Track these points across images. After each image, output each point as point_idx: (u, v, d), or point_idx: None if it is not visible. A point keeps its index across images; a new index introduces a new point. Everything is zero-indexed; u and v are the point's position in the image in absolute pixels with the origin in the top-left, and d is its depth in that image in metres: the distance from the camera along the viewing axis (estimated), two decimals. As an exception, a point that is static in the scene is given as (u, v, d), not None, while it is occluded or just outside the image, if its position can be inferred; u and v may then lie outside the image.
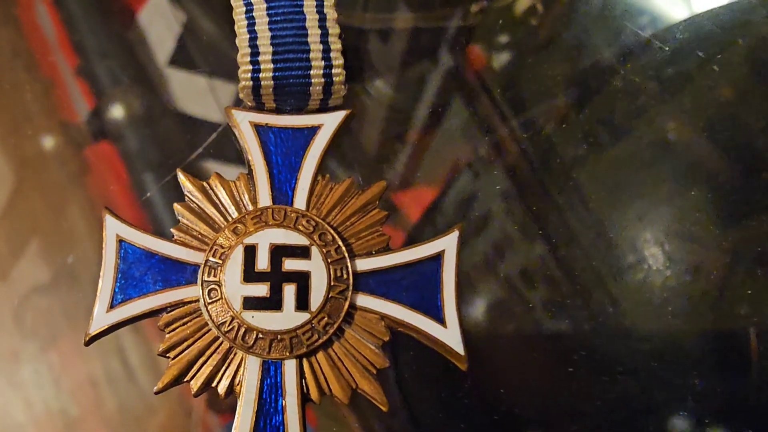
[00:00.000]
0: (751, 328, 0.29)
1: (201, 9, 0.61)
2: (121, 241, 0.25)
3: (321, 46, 0.25)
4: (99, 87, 0.54)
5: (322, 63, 0.25)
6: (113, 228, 0.25)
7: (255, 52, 0.25)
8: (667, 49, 0.37)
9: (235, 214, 0.26)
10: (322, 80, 0.25)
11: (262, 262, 0.25)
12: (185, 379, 0.25)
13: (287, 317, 0.25)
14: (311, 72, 0.25)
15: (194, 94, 0.60)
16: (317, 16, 0.25)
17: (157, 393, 0.25)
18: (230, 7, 0.52)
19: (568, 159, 0.36)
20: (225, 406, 0.34)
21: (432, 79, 0.42)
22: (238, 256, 0.25)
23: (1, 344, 0.45)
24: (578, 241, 0.34)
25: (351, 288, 0.25)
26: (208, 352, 0.25)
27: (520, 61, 0.42)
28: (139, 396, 0.46)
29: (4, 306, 0.46)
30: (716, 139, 0.34)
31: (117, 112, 0.53)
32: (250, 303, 0.25)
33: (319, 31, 0.25)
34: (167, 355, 0.25)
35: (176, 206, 0.26)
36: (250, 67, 0.25)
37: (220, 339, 0.25)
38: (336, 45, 0.25)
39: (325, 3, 0.25)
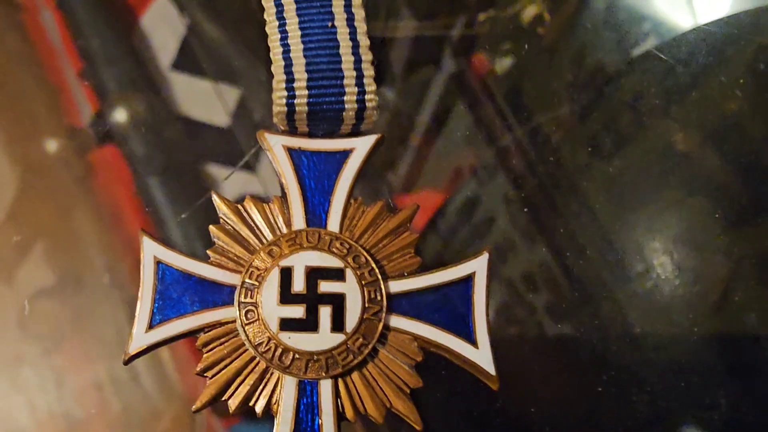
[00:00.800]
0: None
1: (204, 13, 0.61)
2: (158, 263, 0.26)
3: (354, 73, 0.26)
4: (103, 91, 0.54)
5: (356, 89, 0.26)
6: (151, 250, 0.26)
7: (290, 79, 0.26)
8: (670, 58, 0.38)
9: (270, 237, 0.27)
10: (355, 106, 0.26)
11: (298, 284, 0.26)
12: (223, 398, 0.26)
13: (323, 338, 0.25)
14: (345, 98, 0.26)
15: (198, 97, 0.61)
16: (350, 43, 0.26)
17: (195, 412, 0.25)
18: (233, 11, 0.53)
19: (573, 166, 0.36)
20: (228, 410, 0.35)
21: (437, 86, 0.42)
22: (274, 278, 0.26)
23: (5, 347, 0.46)
24: (583, 249, 0.34)
25: (384, 309, 0.26)
26: (245, 372, 0.26)
27: (525, 69, 0.43)
28: (143, 400, 0.47)
29: (9, 309, 0.47)
30: (721, 148, 0.35)
31: (121, 115, 0.53)
32: (287, 324, 0.26)
33: (353, 58, 0.26)
34: (205, 374, 0.26)
35: (212, 228, 0.27)
36: (286, 93, 0.26)
37: (257, 359, 0.26)
38: (369, 72, 0.26)
39: (357, 30, 0.25)
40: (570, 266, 0.34)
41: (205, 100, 0.60)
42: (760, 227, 0.34)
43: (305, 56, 0.26)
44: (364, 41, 0.26)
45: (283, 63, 0.26)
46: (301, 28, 0.26)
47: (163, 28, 0.64)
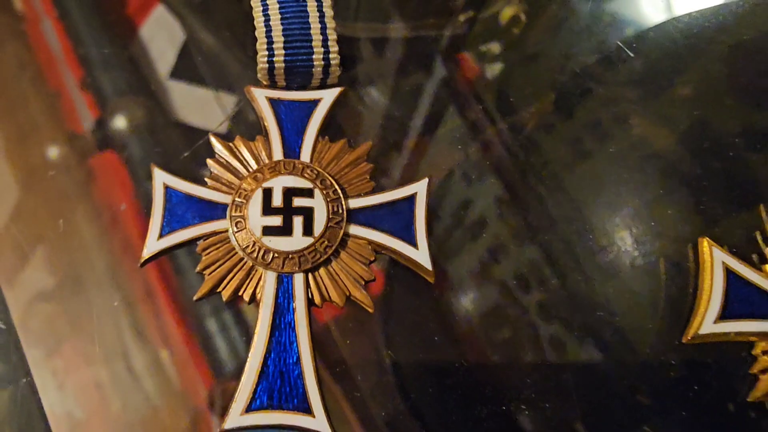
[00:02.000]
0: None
1: (201, 22, 0.78)
2: (167, 188, 0.46)
3: (321, 37, 0.45)
4: (103, 98, 0.67)
5: (322, 50, 0.46)
6: (161, 177, 0.46)
7: (270, 42, 0.46)
8: (643, 58, 0.49)
9: (255, 166, 0.47)
10: (322, 63, 0.46)
11: (277, 200, 0.46)
12: (218, 290, 0.45)
13: (296, 241, 0.45)
14: (313, 56, 0.46)
15: (195, 104, 0.77)
16: (318, 14, 0.46)
17: (197, 300, 0.45)
18: (230, 21, 0.69)
19: (556, 162, 0.46)
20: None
21: (424, 87, 0.55)
22: (258, 197, 0.46)
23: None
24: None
25: (345, 220, 0.46)
26: (235, 269, 0.46)
27: (508, 69, 0.54)
28: (144, 400, 0.55)
29: (11, 313, 0.56)
30: (693, 144, 0.45)
31: (121, 122, 0.65)
32: (268, 231, 0.45)
33: (320, 26, 0.46)
34: (204, 272, 0.46)
35: (209, 161, 0.47)
36: (266, 53, 0.46)
37: (245, 259, 0.46)
38: (332, 36, 0.46)
39: (324, 4, 0.46)
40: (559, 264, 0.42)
41: (203, 108, 0.76)
42: (729, 218, 0.42)
43: (282, 24, 0.46)
44: (329, 13, 0.47)
45: (264, 30, 0.46)
46: (279, 3, 0.47)
47: (161, 37, 0.79)
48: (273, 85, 0.45)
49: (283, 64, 0.43)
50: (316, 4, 0.42)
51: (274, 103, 0.44)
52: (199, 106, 0.69)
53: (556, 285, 0.36)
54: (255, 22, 0.44)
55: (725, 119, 0.45)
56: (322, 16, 0.42)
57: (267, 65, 0.43)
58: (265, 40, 0.42)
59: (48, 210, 0.62)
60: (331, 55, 0.43)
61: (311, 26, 0.43)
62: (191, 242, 0.44)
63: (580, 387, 0.36)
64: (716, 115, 0.45)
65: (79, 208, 0.63)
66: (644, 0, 0.52)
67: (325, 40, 0.42)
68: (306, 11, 0.42)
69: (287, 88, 0.45)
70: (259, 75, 0.44)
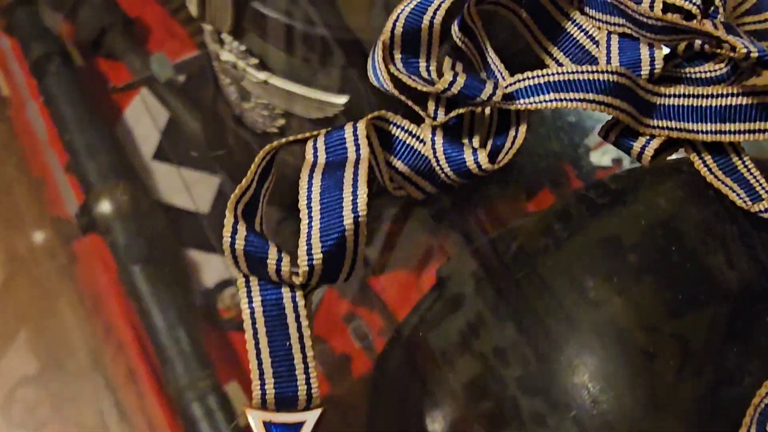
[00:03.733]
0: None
1: (184, 105, 0.81)
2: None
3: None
4: (88, 182, 0.68)
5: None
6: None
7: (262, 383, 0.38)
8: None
9: None
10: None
11: None
12: None
13: None
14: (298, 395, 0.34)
15: (179, 186, 0.79)
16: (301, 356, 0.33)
17: None
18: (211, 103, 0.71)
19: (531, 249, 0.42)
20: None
21: None
22: None
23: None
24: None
25: None
26: None
27: None
28: None
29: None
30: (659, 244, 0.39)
31: (105, 206, 0.66)
32: None
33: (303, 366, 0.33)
34: None
35: None
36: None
37: None
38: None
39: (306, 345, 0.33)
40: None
41: (184, 189, 0.78)
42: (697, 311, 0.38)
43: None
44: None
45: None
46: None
47: (145, 120, 0.83)
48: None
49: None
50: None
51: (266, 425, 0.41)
52: (183, 187, 0.72)
53: (534, 360, 0.36)
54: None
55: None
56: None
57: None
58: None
59: (31, 294, 0.62)
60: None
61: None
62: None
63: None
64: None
65: (63, 293, 0.63)
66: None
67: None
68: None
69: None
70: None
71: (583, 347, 0.36)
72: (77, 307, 0.63)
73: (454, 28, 0.33)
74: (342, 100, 0.49)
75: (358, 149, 0.28)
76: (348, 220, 0.26)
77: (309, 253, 0.25)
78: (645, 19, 0.31)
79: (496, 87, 0.30)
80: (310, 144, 0.29)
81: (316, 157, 0.28)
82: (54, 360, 0.59)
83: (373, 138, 0.30)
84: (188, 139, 0.74)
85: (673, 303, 0.35)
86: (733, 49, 0.28)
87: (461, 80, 0.29)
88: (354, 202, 0.26)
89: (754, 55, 0.28)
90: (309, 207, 0.26)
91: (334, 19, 0.53)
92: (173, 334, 0.56)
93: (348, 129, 0.28)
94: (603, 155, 0.48)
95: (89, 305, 0.65)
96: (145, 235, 0.65)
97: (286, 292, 0.28)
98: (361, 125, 0.28)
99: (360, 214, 0.25)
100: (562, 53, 0.34)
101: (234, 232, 0.25)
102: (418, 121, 0.32)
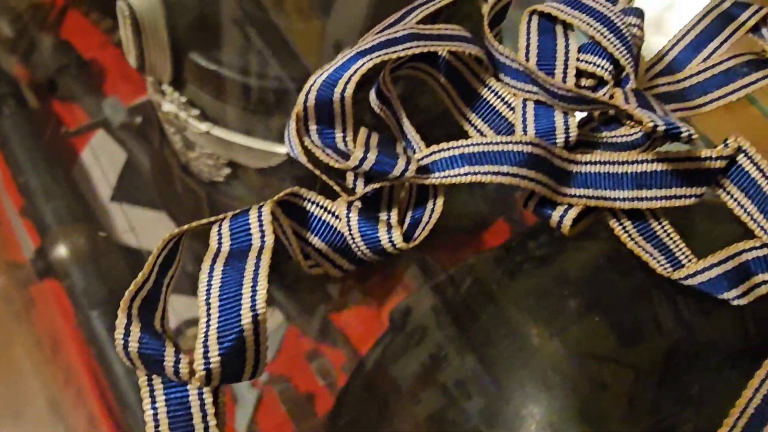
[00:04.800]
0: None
1: (140, 147, 0.81)
2: None
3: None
4: (44, 226, 0.68)
5: None
6: None
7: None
8: None
9: None
10: None
11: None
12: None
13: None
14: None
15: (137, 226, 0.79)
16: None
17: None
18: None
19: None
20: None
21: None
22: None
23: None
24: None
25: None
26: None
27: None
28: None
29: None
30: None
31: (62, 250, 0.66)
32: None
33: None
34: None
35: None
36: None
37: None
38: None
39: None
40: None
41: (145, 229, 0.78)
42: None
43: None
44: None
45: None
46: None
47: (102, 161, 0.83)
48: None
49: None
50: None
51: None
52: (141, 228, 0.72)
53: (495, 393, 0.36)
54: None
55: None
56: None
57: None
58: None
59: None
60: None
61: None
62: None
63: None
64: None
65: (20, 339, 0.62)
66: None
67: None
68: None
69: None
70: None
71: (536, 381, 0.36)
72: (35, 354, 0.62)
73: (372, 97, 0.33)
74: (285, 149, 0.49)
75: (263, 236, 0.27)
76: (246, 319, 0.25)
77: (206, 355, 0.25)
78: (557, 90, 0.31)
79: (409, 162, 0.30)
80: (214, 229, 0.28)
81: (220, 244, 0.28)
82: (11, 408, 0.58)
83: (283, 219, 0.30)
84: (145, 180, 0.74)
85: (612, 351, 0.35)
86: (640, 122, 0.28)
87: (372, 157, 0.29)
88: (253, 299, 0.25)
89: (661, 128, 0.27)
90: (208, 303, 0.25)
91: (274, 70, 0.53)
92: (133, 379, 0.53)
93: (253, 213, 0.28)
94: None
95: (47, 351, 0.64)
96: (103, 278, 0.64)
97: (192, 389, 0.27)
98: (267, 209, 0.27)
99: (259, 312, 0.25)
100: (480, 119, 0.34)
101: (127, 333, 0.24)
102: (335, 195, 0.32)
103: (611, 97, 0.32)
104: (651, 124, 0.28)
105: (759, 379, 0.29)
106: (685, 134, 0.28)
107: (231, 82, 0.54)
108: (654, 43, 0.38)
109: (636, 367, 0.34)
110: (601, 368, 0.35)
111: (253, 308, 0.25)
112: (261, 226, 0.27)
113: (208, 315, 0.25)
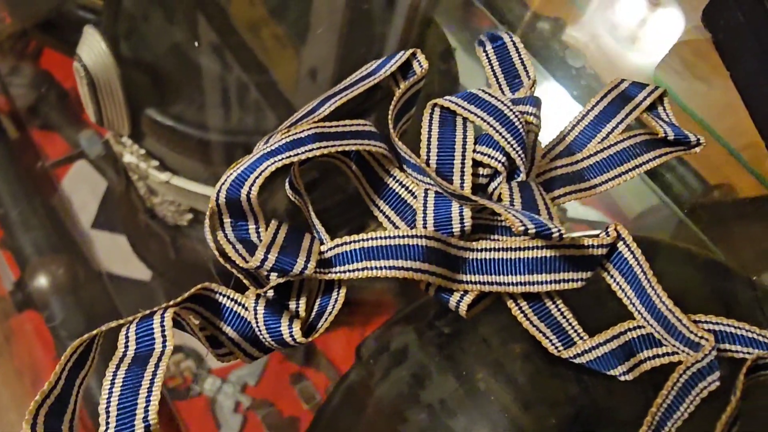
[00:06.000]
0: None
1: (119, 175, 0.83)
2: None
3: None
4: (23, 257, 0.70)
5: None
6: None
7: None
8: None
9: None
10: None
11: None
12: None
13: None
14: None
15: (118, 254, 0.81)
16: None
17: None
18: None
19: None
20: None
21: None
22: None
23: None
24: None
25: None
26: None
27: None
28: None
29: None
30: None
31: (41, 281, 0.68)
32: None
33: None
34: None
35: None
36: None
37: None
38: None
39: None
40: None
41: (125, 256, 0.81)
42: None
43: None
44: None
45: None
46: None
47: (83, 189, 0.86)
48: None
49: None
50: None
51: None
52: (122, 255, 0.74)
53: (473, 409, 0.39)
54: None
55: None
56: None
57: None
58: None
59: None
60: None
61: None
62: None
63: None
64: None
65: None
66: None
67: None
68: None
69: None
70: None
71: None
72: (14, 385, 0.65)
73: (287, 187, 0.36)
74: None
75: (164, 341, 0.30)
76: (139, 429, 0.28)
77: (102, 464, 0.27)
78: (445, 188, 0.34)
79: (308, 261, 0.33)
80: (122, 333, 0.31)
81: (126, 347, 0.31)
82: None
83: (190, 316, 0.33)
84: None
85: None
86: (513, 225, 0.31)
87: (272, 257, 0.32)
88: (146, 410, 0.28)
89: (532, 231, 0.30)
90: (107, 411, 0.28)
91: (227, 122, 0.56)
92: None
93: (157, 318, 0.31)
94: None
95: (27, 383, 0.67)
96: (83, 308, 0.66)
97: None
98: (169, 314, 0.30)
99: (151, 423, 0.28)
100: (387, 206, 0.37)
101: (30, 447, 0.27)
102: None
103: (500, 194, 0.35)
104: (521, 228, 0.31)
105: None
106: (555, 235, 0.31)
107: (187, 135, 0.57)
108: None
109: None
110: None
111: (145, 420, 0.28)
112: (163, 331, 0.31)
113: (107, 423, 0.28)
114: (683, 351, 0.34)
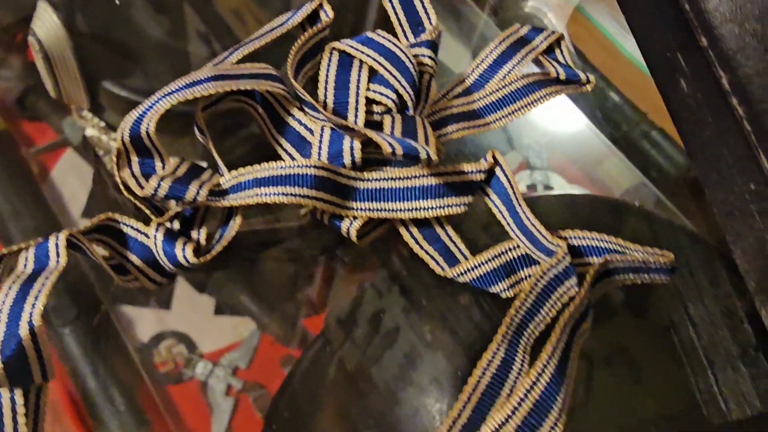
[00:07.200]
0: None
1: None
2: None
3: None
4: (12, 245, 0.75)
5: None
6: None
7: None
8: None
9: None
10: None
11: None
12: None
13: None
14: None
15: None
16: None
17: None
18: None
19: None
20: None
21: None
22: None
23: None
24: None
25: None
26: None
27: None
28: None
29: None
30: None
31: None
32: None
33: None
34: None
35: None
36: None
37: None
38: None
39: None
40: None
41: None
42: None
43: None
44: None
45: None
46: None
47: (73, 178, 0.88)
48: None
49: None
50: None
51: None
52: None
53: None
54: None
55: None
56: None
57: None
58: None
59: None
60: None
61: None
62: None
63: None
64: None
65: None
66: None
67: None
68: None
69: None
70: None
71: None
72: None
73: (195, 128, 0.40)
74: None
75: (58, 258, 0.34)
76: (24, 330, 0.31)
77: (-9, 361, 0.29)
78: (333, 122, 0.37)
79: (201, 188, 0.36)
80: (22, 255, 0.35)
81: (25, 266, 0.34)
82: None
83: (90, 243, 0.36)
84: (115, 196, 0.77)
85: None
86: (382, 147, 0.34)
87: (165, 185, 0.35)
88: (31, 314, 0.32)
89: (399, 152, 0.33)
90: (-1, 319, 0.32)
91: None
92: (107, 394, 0.57)
93: (52, 239, 0.34)
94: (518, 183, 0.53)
95: None
96: (73, 296, 0.66)
97: (4, 392, 0.32)
98: (63, 235, 0.34)
99: (35, 324, 0.31)
100: (289, 143, 0.40)
101: None
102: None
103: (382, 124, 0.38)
104: (389, 150, 0.34)
105: (486, 360, 0.35)
106: (424, 156, 0.34)
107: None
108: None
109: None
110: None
111: (30, 322, 0.31)
112: (57, 249, 0.34)
113: (-3, 328, 0.31)
114: (545, 261, 0.36)
